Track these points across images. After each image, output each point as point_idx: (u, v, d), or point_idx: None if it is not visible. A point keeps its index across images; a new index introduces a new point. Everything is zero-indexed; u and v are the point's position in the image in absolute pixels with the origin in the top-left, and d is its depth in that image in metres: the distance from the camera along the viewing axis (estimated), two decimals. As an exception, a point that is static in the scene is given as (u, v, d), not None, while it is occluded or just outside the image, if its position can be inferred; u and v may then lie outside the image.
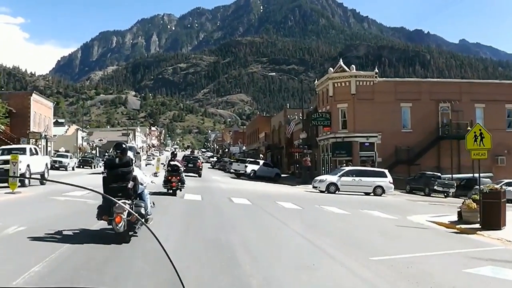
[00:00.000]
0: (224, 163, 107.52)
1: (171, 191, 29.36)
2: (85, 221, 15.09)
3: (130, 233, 13.23)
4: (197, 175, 59.95)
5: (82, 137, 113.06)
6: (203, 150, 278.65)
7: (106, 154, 59.85)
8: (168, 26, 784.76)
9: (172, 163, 30.24)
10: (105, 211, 12.99)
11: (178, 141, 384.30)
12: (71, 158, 75.04)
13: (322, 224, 22.40)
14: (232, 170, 78.10)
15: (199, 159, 71.75)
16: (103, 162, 34.76)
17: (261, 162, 77.08)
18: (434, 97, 67.05)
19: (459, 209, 26.21)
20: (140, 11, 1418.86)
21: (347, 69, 67.35)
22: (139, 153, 44.39)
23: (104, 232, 13.73)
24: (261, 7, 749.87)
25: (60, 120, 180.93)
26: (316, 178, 49.55)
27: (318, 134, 72.63)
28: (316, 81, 76.65)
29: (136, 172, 14.29)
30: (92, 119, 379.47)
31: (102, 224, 13.80)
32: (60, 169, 68.14)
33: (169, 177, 29.73)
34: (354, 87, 65.73)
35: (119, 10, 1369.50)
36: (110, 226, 13.12)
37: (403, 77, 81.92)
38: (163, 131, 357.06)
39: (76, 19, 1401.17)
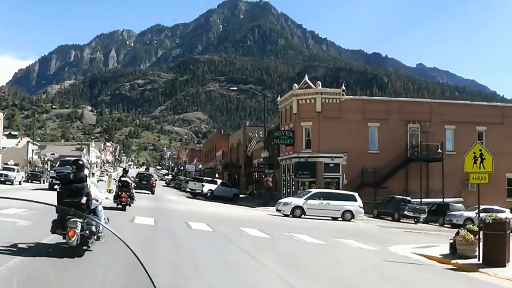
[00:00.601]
0: (179, 182, 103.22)
1: (120, 206, 29.88)
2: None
3: (84, 247, 13.28)
4: (150, 192, 61.17)
5: (33, 150, 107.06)
6: (158, 167, 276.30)
7: (53, 170, 55.73)
8: (127, 42, 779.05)
9: (122, 179, 30.94)
10: (59, 225, 12.96)
11: (133, 158, 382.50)
12: (18, 172, 69.69)
13: (300, 260, 18.49)
14: (188, 189, 73.53)
15: (153, 176, 70.85)
16: (52, 177, 36.43)
17: (219, 181, 72.77)
18: (403, 117, 63.76)
19: (452, 241, 22.85)
20: (100, 26, 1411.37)
21: (312, 85, 64.00)
22: (87, 167, 39.22)
23: (58, 246, 13.42)
24: (221, 26, 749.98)
25: (13, 133, 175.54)
26: (280, 200, 45.52)
27: (279, 153, 68.82)
28: (279, 98, 72.80)
29: (91, 188, 14.38)
30: (47, 132, 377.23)
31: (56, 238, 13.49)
32: (6, 183, 63.13)
33: (119, 192, 30.33)
34: (320, 105, 62.12)
35: (78, 24, 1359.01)
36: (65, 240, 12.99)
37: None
38: (118, 147, 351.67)
39: (35, 32, 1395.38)
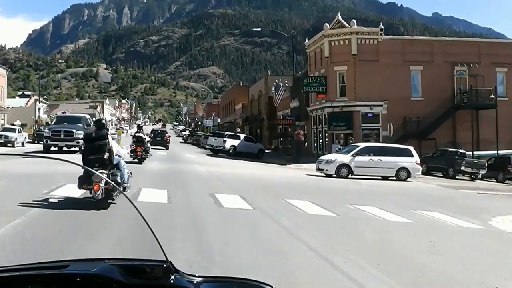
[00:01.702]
0: (197, 137, 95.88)
1: (136, 160, 30.86)
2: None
3: (109, 200, 14.28)
4: (164, 148, 60.38)
5: (39, 109, 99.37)
6: (175, 123, 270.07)
7: (47, 128, 49.82)
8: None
9: (137, 134, 32.05)
10: (85, 180, 13.92)
11: (149, 115, 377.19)
12: (20, 132, 62.35)
13: (412, 263, 10.70)
14: (207, 146, 65.92)
15: (166, 133, 69.30)
16: (47, 137, 36.47)
17: (242, 136, 64.87)
18: (449, 59, 55.35)
19: None
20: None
21: (346, 24, 55.40)
22: (89, 125, 34.13)
23: (85, 200, 14.27)
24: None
25: (27, 93, 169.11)
26: (322, 158, 37.37)
27: (308, 103, 60.80)
28: (306, 41, 64.48)
29: (113, 144, 15.17)
30: (63, 92, 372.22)
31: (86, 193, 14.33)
32: (8, 144, 56.29)
33: (135, 147, 31.57)
34: (355, 46, 53.86)
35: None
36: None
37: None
38: (134, 104, 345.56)
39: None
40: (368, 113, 53.59)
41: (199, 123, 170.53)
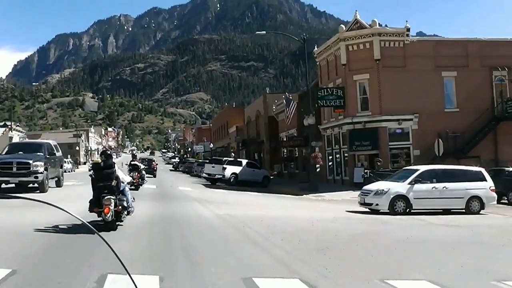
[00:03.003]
0: (189, 165, 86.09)
1: (133, 187, 29.72)
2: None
3: (117, 222, 15.93)
4: (152, 176, 56.26)
5: (18, 139, 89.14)
6: (164, 150, 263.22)
7: None
8: (125, 27, 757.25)
9: (133, 163, 33.17)
10: (95, 204, 15.69)
11: (137, 142, 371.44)
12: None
13: None
14: (204, 174, 56.26)
15: (154, 161, 70.53)
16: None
17: (244, 162, 55.31)
18: (486, 63, 46.18)
19: None
20: (96, 13, 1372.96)
21: (366, 24, 45.96)
22: (53, 153, 24.09)
23: (94, 223, 14.56)
24: (218, 5, 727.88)
25: (7, 123, 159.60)
26: (368, 187, 27.21)
27: (321, 121, 51.31)
28: (315, 48, 55.19)
29: (118, 173, 16.44)
30: (48, 122, 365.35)
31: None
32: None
33: (131, 175, 30.82)
34: (378, 50, 44.53)
35: (74, 12, 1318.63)
36: (99, 218, 15.36)
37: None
38: (121, 132, 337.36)
39: (32, 23, 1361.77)
40: (397, 129, 44.29)
41: (189, 149, 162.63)
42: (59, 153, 33.34)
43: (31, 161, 26.97)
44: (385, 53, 44.45)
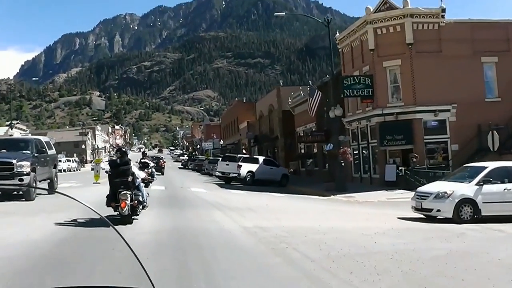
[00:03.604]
0: (199, 162, 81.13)
1: (143, 184, 23.69)
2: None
3: (133, 217, 16.77)
4: (160, 173, 54.52)
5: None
6: (172, 148, 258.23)
7: None
8: (131, 26, 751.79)
9: (143, 160, 31.19)
10: (112, 199, 16.52)
11: (145, 140, 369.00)
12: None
13: None
14: (217, 173, 50.92)
15: (161, 158, 72.24)
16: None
17: (261, 159, 50.39)
18: (529, 46, 41.18)
19: None
20: (102, 12, 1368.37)
21: (397, 4, 40.85)
22: (43, 151, 19.06)
23: (110, 217, 15.69)
24: (223, 2, 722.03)
25: (14, 122, 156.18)
26: (424, 189, 21.93)
27: (344, 113, 46.18)
28: (337, 34, 50.15)
29: (134, 169, 17.50)
30: (56, 121, 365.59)
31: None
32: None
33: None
34: (411, 33, 39.38)
35: (80, 12, 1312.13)
36: (116, 212, 16.24)
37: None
38: (128, 129, 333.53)
39: (38, 23, 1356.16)
40: (433, 121, 39.29)
41: (198, 146, 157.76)
42: (51, 151, 28.75)
43: (14, 161, 22.18)
44: (418, 37, 39.37)
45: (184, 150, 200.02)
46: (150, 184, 31.12)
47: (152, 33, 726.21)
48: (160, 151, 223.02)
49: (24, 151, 23.99)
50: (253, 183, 45.22)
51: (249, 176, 45.61)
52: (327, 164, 54.13)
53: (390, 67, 40.17)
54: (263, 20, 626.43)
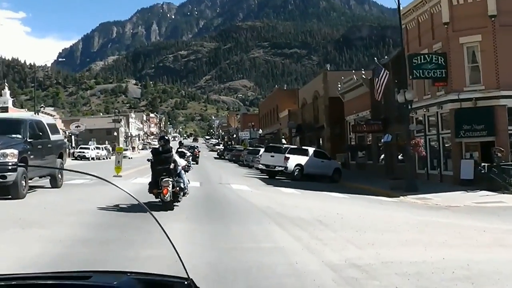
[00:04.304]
0: (237, 152, 74.91)
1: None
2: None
3: (174, 203, 17.00)
4: (195, 162, 47.81)
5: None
6: (207, 137, 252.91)
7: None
8: (168, 15, 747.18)
9: (179, 150, 26.85)
10: (154, 186, 16.71)
11: (180, 129, 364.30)
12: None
13: None
14: (260, 166, 44.01)
15: (196, 148, 72.57)
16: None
17: (310, 150, 43.13)
18: None
19: None
20: (139, 1, 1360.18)
21: (477, -30, 34.18)
22: (39, 135, 12.93)
23: (151, 204, 16.31)
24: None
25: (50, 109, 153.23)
26: None
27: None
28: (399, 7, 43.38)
29: (175, 157, 17.82)
30: (92, 108, 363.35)
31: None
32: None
33: None
34: (494, 3, 32.77)
35: (118, 1, 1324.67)
36: (157, 200, 16.72)
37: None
38: (163, 118, 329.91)
39: (76, 11, 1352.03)
40: (520, 108, 32.70)
41: (234, 135, 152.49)
42: (56, 136, 22.71)
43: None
44: (503, 7, 32.63)
45: (219, 140, 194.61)
46: (187, 173, 28.38)
47: (189, 22, 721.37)
48: (195, 140, 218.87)
49: (14, 136, 18.00)
50: (302, 178, 39.03)
51: (297, 170, 39.18)
52: (381, 157, 47.95)
53: (468, 44, 33.53)
54: (300, 10, 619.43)
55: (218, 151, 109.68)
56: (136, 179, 30.15)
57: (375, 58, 39.64)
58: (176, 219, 14.17)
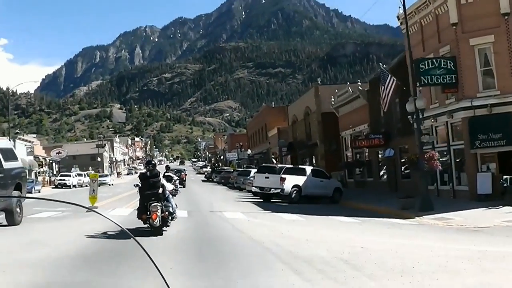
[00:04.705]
0: (226, 174, 71.35)
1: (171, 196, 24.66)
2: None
3: (163, 228, 16.62)
4: (182, 186, 48.27)
5: (25, 149, 74.73)
6: (194, 160, 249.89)
7: None
8: (151, 38, 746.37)
9: (166, 174, 28.48)
10: (143, 211, 16.47)
11: (167, 152, 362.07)
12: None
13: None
14: (254, 188, 39.43)
15: (183, 171, 71.68)
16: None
17: (308, 169, 39.35)
18: None
19: None
20: (122, 25, 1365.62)
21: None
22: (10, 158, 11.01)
23: (138, 230, 16.06)
24: (243, 13, 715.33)
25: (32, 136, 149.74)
26: None
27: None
28: (399, 10, 39.55)
29: (163, 181, 17.64)
30: (76, 134, 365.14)
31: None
32: None
33: None
34: (507, 0, 29.64)
35: (100, 25, 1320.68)
36: (146, 225, 16.34)
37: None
38: (149, 141, 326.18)
39: (59, 37, 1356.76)
40: (539, 114, 29.38)
41: (221, 157, 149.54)
42: (12, 163, 19.06)
43: None
44: (517, 4, 29.60)
45: (206, 162, 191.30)
46: (174, 197, 26.94)
47: (173, 45, 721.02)
48: (182, 163, 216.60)
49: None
50: (300, 200, 35.50)
51: (295, 192, 35.43)
52: (381, 173, 44.73)
53: (479, 46, 30.26)
54: (284, 30, 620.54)
55: (206, 173, 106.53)
56: (114, 210, 26.65)
57: (380, 64, 35.67)
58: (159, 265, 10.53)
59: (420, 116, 28.10)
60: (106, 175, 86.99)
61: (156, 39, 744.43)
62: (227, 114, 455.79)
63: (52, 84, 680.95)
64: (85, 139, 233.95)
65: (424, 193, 27.30)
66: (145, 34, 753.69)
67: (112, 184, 78.79)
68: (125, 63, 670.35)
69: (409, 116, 35.28)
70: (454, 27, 30.96)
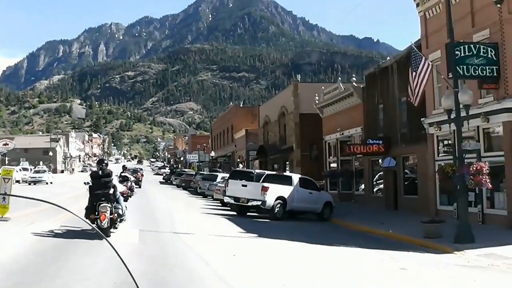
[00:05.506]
0: (187, 177, 63.77)
1: (122, 198, 23.06)
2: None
3: (111, 229, 16.09)
4: (138, 187, 47.64)
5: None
6: (152, 160, 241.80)
7: None
8: (116, 35, 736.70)
9: (123, 174, 29.97)
10: (91, 211, 15.79)
11: (125, 151, 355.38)
12: None
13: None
14: (226, 198, 30.62)
15: (139, 170, 69.52)
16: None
17: (295, 178, 30.83)
18: None
19: None
20: (87, 20, 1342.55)
21: None
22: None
23: (85, 232, 15.65)
24: (210, 16, 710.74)
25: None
26: None
27: (425, 109, 28.65)
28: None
29: (115, 181, 17.26)
30: (34, 128, 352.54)
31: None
32: None
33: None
34: None
35: (65, 19, 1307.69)
36: (89, 227, 14.64)
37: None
38: (107, 138, 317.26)
39: (22, 29, 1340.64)
40: None
41: (181, 158, 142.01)
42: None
43: None
44: None
45: (165, 163, 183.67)
46: (129, 198, 27.79)
47: (137, 43, 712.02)
48: (140, 162, 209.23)
49: None
50: (283, 216, 27.84)
51: (279, 206, 27.67)
52: (378, 187, 37.55)
53: (529, 31, 23.10)
54: (249, 34, 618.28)
55: (164, 174, 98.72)
56: (32, 225, 18.48)
57: (411, 42, 27.99)
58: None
59: (468, 114, 20.47)
60: (44, 171, 71.31)
61: (121, 37, 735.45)
62: (188, 116, 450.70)
63: (13, 76, 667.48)
64: (39, 133, 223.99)
65: (463, 219, 19.85)
66: (110, 31, 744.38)
67: (51, 183, 64.63)
68: (89, 59, 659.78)
69: (422, 119, 28.14)
70: (498, 4, 23.58)
